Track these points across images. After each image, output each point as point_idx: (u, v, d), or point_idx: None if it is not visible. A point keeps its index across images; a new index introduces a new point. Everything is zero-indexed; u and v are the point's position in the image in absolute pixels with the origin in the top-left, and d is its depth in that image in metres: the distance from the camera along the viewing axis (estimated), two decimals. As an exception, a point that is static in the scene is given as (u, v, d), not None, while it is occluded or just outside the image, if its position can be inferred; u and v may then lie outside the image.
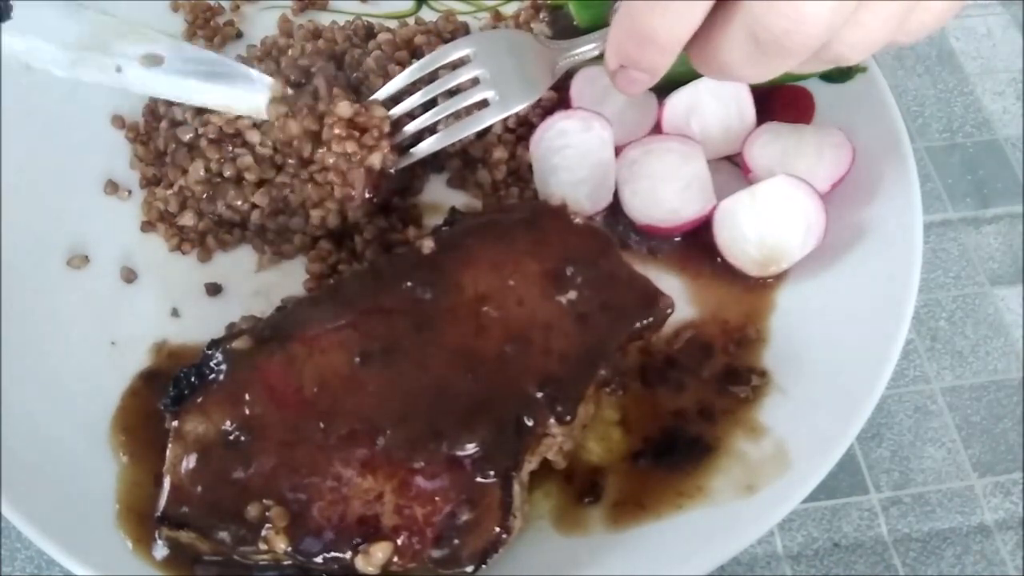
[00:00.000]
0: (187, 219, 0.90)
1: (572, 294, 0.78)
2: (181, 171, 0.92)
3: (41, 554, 0.80)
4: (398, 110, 0.89)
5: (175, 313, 0.87)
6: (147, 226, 0.92)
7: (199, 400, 0.74)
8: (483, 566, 0.69)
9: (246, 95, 0.90)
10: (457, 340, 0.75)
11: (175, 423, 0.73)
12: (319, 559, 0.69)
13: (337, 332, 0.76)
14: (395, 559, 0.68)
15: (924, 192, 0.90)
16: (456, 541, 0.69)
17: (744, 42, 0.62)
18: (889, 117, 0.95)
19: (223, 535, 0.69)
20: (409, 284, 0.78)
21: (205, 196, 0.90)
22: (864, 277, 0.86)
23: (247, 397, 0.73)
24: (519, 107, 0.86)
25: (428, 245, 0.81)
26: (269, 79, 0.90)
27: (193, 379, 0.75)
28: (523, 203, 0.91)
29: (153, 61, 0.89)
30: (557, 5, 1.03)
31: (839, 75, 0.98)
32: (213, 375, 0.75)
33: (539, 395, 0.73)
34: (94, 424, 0.79)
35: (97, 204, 0.93)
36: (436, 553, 0.69)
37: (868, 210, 0.89)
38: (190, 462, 0.72)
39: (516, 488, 0.71)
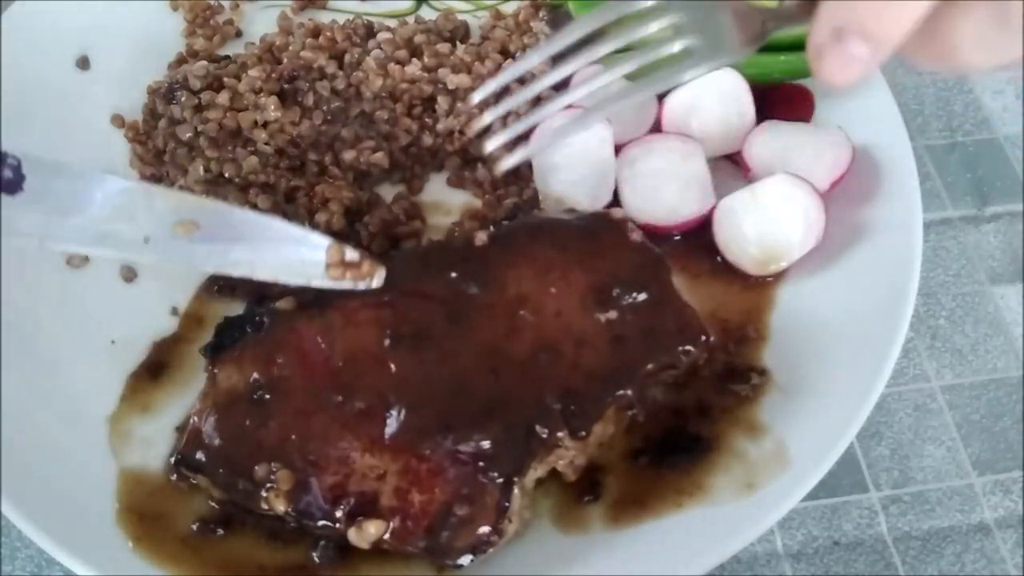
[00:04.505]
0: None
1: (613, 313, 0.77)
2: (181, 171, 0.92)
3: (41, 553, 0.80)
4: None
5: (175, 312, 0.87)
6: (147, 225, 0.92)
7: (236, 353, 0.76)
8: (471, 562, 0.70)
9: (298, 262, 0.78)
10: (488, 338, 0.75)
11: (213, 370, 0.76)
12: (315, 524, 0.71)
13: (376, 308, 0.77)
14: (386, 537, 0.70)
15: (924, 190, 0.90)
16: (447, 533, 0.70)
17: (986, 16, 0.52)
18: (889, 115, 0.95)
19: (231, 486, 0.72)
20: (454, 274, 0.78)
21: (204, 195, 0.90)
22: (864, 275, 0.86)
23: (279, 359, 0.75)
24: (731, 59, 0.65)
25: (481, 238, 0.81)
26: (326, 240, 0.78)
27: (235, 331, 0.77)
28: (586, 212, 0.87)
29: (187, 228, 0.77)
30: (556, 4, 1.03)
31: (839, 73, 0.97)
32: (254, 330, 0.77)
33: (556, 407, 0.73)
34: (94, 424, 0.79)
35: (97, 203, 0.93)
36: (426, 540, 0.70)
37: (868, 209, 0.89)
38: (215, 412, 0.74)
39: (516, 493, 0.71)
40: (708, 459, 0.77)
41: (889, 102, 0.95)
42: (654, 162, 0.90)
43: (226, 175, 0.90)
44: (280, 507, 0.71)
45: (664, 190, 0.89)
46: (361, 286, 0.77)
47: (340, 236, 0.90)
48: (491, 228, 0.83)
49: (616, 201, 0.90)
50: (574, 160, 0.90)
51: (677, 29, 0.65)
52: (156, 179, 0.94)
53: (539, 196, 0.91)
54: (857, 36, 0.53)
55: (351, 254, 0.78)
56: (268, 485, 0.71)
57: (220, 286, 0.87)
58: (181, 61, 1.01)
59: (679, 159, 0.90)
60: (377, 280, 0.78)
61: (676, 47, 0.65)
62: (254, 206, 0.89)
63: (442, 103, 0.95)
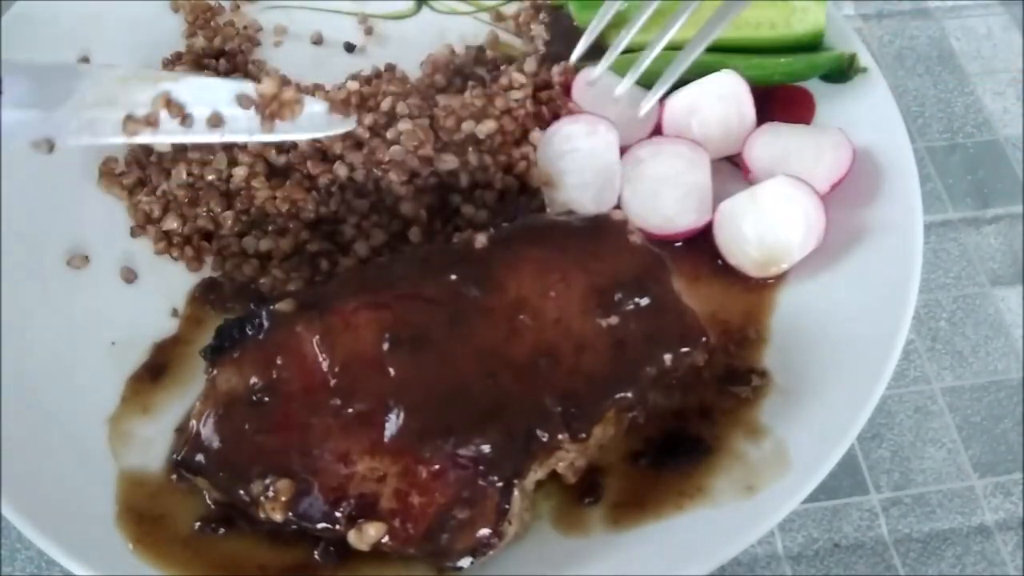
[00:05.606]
0: (170, 223, 0.90)
1: (612, 316, 0.77)
2: (165, 174, 0.91)
3: (41, 554, 0.80)
4: None
5: (175, 314, 0.87)
6: (137, 230, 0.91)
7: (235, 356, 0.76)
8: (471, 564, 0.70)
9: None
10: (488, 341, 0.75)
11: (213, 372, 0.76)
12: (315, 526, 0.71)
13: (375, 311, 0.76)
14: (386, 539, 0.70)
15: (924, 192, 0.90)
16: (447, 536, 0.70)
17: None
18: (889, 117, 0.95)
19: (231, 490, 0.72)
20: (454, 277, 0.78)
21: (187, 200, 0.90)
22: (864, 277, 0.86)
23: (278, 361, 0.75)
24: None
25: (481, 240, 0.81)
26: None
27: (235, 333, 0.77)
28: (585, 213, 0.87)
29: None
30: (557, 5, 1.03)
31: (839, 75, 0.98)
32: (253, 332, 0.77)
33: (556, 409, 0.73)
34: (94, 425, 0.79)
35: (97, 204, 0.93)
36: (427, 542, 0.70)
37: (868, 210, 0.89)
38: (215, 415, 0.74)
39: (516, 495, 0.71)
40: (708, 461, 0.77)
41: (890, 104, 0.96)
42: (659, 167, 0.90)
43: (208, 179, 0.90)
44: (277, 517, 0.70)
45: (663, 197, 0.89)
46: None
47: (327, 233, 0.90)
48: (491, 230, 0.83)
49: (617, 203, 0.90)
50: (580, 165, 0.90)
51: None
52: (142, 182, 0.93)
53: (544, 199, 0.91)
54: None
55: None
56: (268, 495, 0.71)
57: (212, 299, 0.87)
58: (176, 60, 1.01)
59: (685, 167, 0.90)
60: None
61: None
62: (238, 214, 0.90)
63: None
